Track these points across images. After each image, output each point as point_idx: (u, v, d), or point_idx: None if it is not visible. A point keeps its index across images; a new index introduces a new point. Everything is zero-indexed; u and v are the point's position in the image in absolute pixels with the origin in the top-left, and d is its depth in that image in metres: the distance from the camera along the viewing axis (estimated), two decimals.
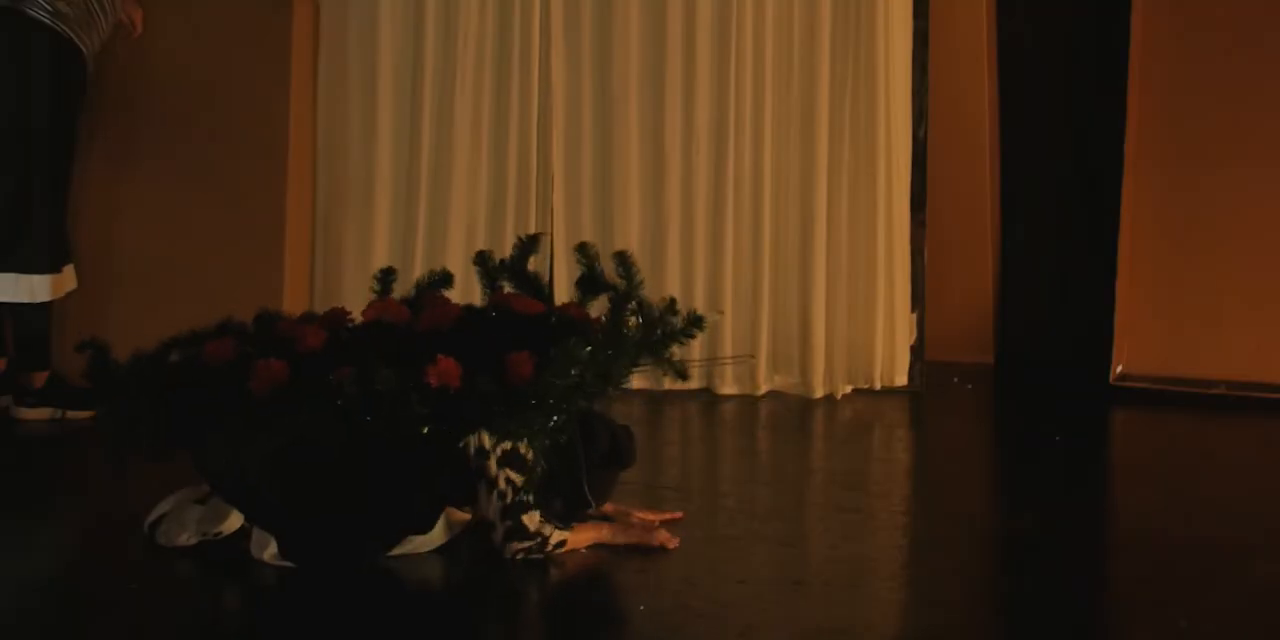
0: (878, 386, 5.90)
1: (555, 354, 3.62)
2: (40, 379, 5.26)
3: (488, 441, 3.66)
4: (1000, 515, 4.48)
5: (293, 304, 5.55)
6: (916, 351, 5.98)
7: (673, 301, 3.85)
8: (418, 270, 5.71)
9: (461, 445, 3.67)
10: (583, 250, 3.93)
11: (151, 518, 3.85)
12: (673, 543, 3.87)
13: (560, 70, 5.81)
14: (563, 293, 5.44)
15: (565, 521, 3.81)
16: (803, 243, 5.85)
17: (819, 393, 5.81)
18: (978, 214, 6.41)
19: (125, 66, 5.53)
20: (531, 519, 3.69)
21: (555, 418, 3.65)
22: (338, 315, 3.89)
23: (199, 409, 3.67)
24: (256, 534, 3.72)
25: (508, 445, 3.66)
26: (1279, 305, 5.75)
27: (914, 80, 5.94)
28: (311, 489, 3.65)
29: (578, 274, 3.95)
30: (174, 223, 5.56)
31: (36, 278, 5.10)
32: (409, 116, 5.77)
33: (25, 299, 5.11)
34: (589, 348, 3.66)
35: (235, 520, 3.76)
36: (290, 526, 3.68)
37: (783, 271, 5.87)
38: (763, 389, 5.84)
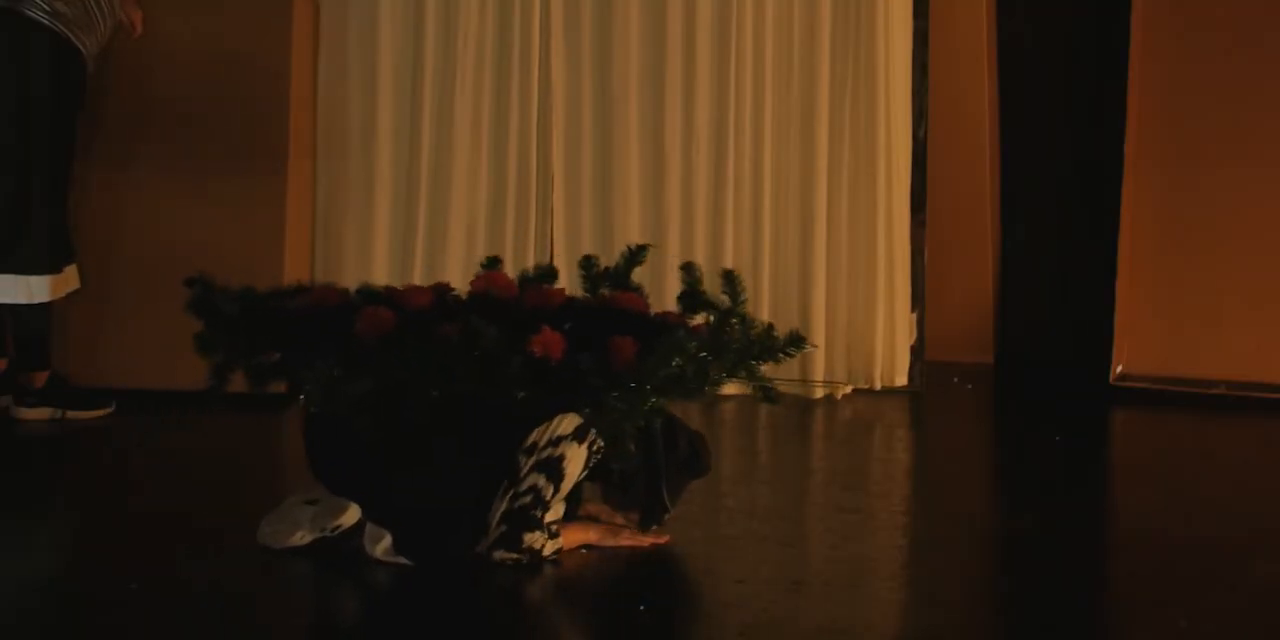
0: (878, 386, 5.90)
1: (660, 342, 3.65)
2: (40, 379, 5.26)
3: (544, 439, 3.66)
4: (1000, 515, 4.48)
5: None
6: (916, 351, 5.98)
7: (770, 326, 3.89)
8: (418, 270, 5.73)
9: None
10: (688, 270, 3.97)
11: (262, 527, 3.84)
12: (662, 540, 3.88)
13: (560, 70, 5.81)
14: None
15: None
16: (803, 243, 5.85)
17: (819, 393, 5.81)
18: (978, 214, 6.41)
19: (125, 67, 5.52)
20: (531, 537, 3.68)
21: (651, 400, 3.67)
22: (442, 287, 3.94)
23: (303, 344, 3.70)
24: (370, 529, 3.72)
25: (557, 452, 3.66)
26: (1279, 305, 5.74)
27: (914, 80, 5.94)
28: (400, 442, 3.66)
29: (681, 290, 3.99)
30: (174, 223, 5.55)
31: (35, 278, 5.10)
32: (409, 116, 5.76)
33: (23, 300, 5.10)
34: (694, 342, 3.69)
35: (352, 514, 3.75)
36: (388, 502, 3.68)
37: (783, 271, 5.87)
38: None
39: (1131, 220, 5.92)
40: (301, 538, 3.76)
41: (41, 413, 5.24)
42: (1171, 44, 5.90)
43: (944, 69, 6.15)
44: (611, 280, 4.00)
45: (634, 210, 5.83)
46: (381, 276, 5.71)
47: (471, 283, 3.91)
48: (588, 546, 3.83)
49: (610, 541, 3.85)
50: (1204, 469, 5.00)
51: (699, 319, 3.87)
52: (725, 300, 3.86)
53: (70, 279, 5.23)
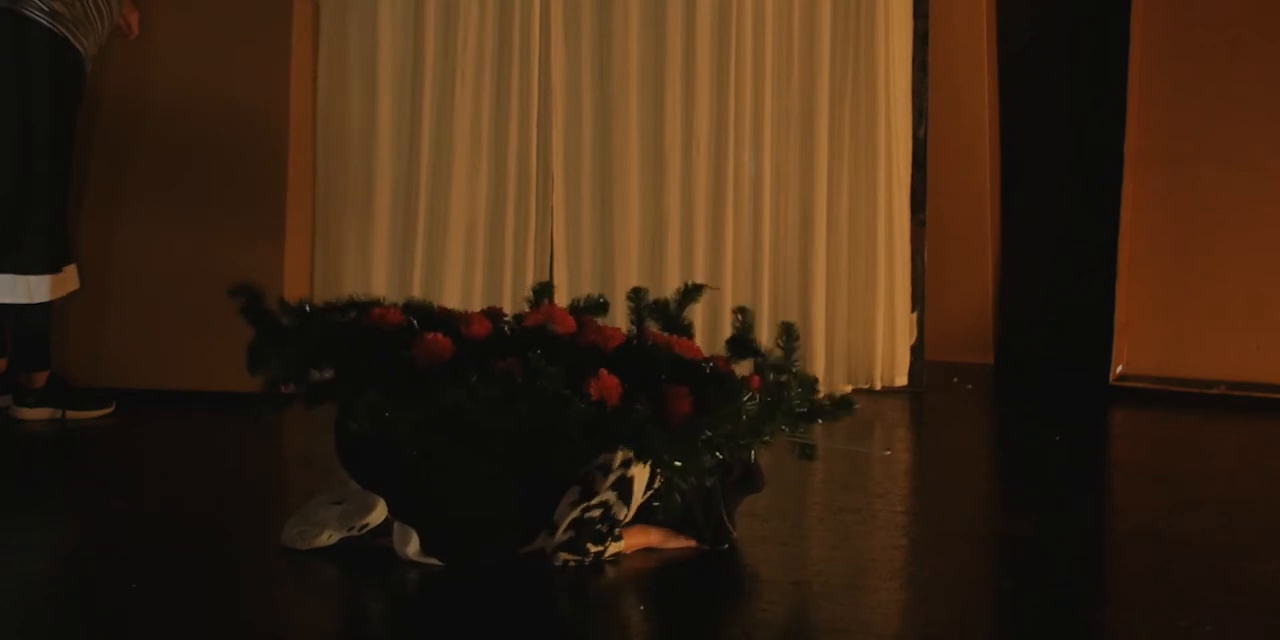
0: (878, 386, 5.90)
1: (720, 401, 3.66)
2: (40, 379, 5.26)
3: (616, 461, 3.67)
4: (1000, 515, 4.48)
5: None
6: (916, 351, 5.98)
7: (815, 380, 3.92)
8: (418, 270, 5.73)
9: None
10: (742, 314, 3.99)
11: (287, 529, 3.83)
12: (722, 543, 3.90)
13: (560, 70, 5.80)
14: (563, 297, 5.43)
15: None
16: (803, 243, 5.85)
17: (819, 393, 5.79)
18: (978, 214, 6.41)
19: (125, 67, 5.52)
20: (595, 547, 3.69)
21: (706, 457, 3.68)
22: (496, 313, 3.93)
23: (358, 364, 3.68)
24: (398, 529, 3.72)
25: (628, 472, 3.67)
26: (1279, 305, 5.75)
27: (914, 80, 5.94)
28: (449, 467, 3.65)
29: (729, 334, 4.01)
30: (174, 223, 5.55)
31: (35, 279, 5.09)
32: (409, 116, 5.76)
33: (24, 300, 5.10)
34: (751, 404, 3.70)
35: (379, 513, 3.75)
36: (419, 503, 3.68)
37: (783, 271, 5.87)
38: None
39: (1131, 220, 5.92)
40: (329, 537, 3.76)
41: (41, 413, 5.24)
42: (1171, 44, 5.90)
43: (944, 69, 6.15)
44: (661, 315, 4.00)
45: (634, 210, 5.83)
46: (381, 276, 5.71)
47: (529, 315, 3.90)
48: (649, 549, 3.84)
49: (671, 543, 3.87)
50: (1204, 469, 5.00)
51: (747, 366, 3.87)
52: (777, 352, 3.87)
53: (70, 279, 5.23)
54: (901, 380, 5.94)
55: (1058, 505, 4.43)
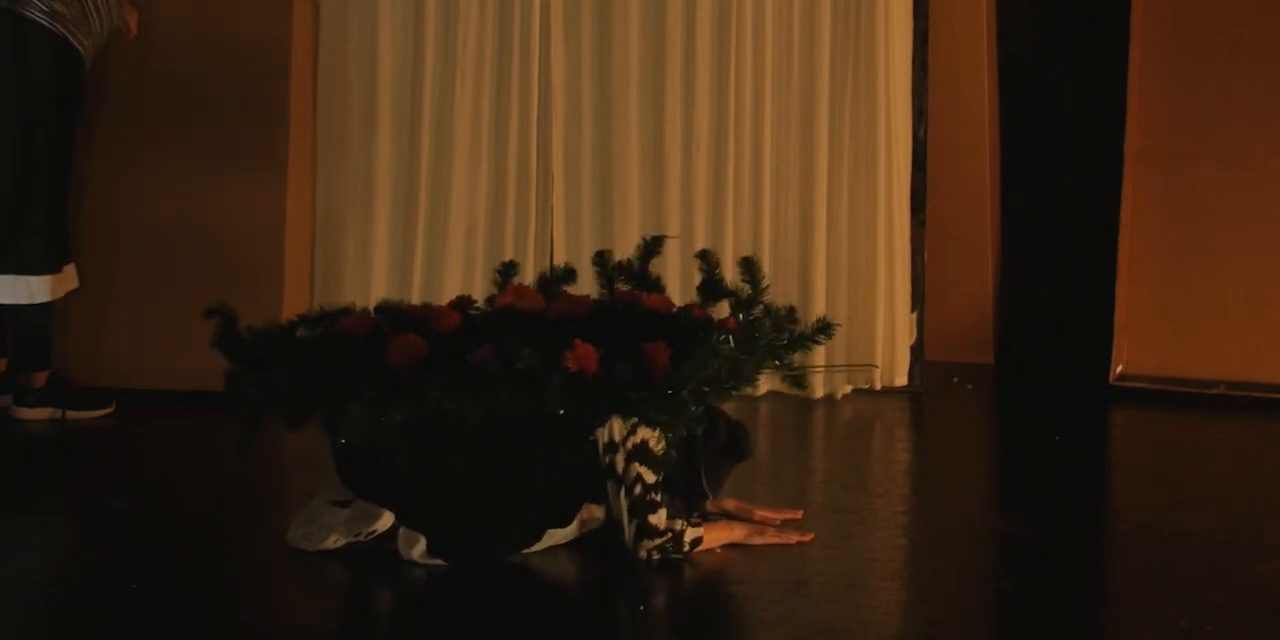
0: (878, 386, 5.90)
1: (698, 347, 3.66)
2: (40, 379, 5.26)
3: (618, 434, 3.67)
4: (1000, 515, 4.48)
5: (293, 304, 5.54)
6: (916, 351, 5.98)
7: (793, 310, 3.92)
8: (418, 270, 5.73)
9: (592, 439, 3.69)
10: (705, 257, 4.01)
11: (292, 529, 3.83)
12: (807, 539, 3.91)
13: (560, 70, 5.81)
14: None
15: (686, 514, 3.82)
16: (803, 243, 5.85)
17: (819, 393, 5.80)
18: (978, 214, 6.41)
19: (124, 67, 5.52)
20: (659, 517, 3.70)
21: (692, 408, 3.68)
22: (464, 301, 3.93)
23: (336, 377, 3.68)
24: (404, 532, 3.71)
25: (638, 439, 3.67)
26: (1279, 305, 5.75)
27: (914, 80, 5.94)
28: (442, 467, 3.65)
29: (699, 280, 4.03)
30: (174, 223, 5.55)
31: (35, 279, 5.10)
32: (409, 116, 5.76)
33: (24, 300, 5.10)
34: (727, 344, 3.70)
35: (387, 519, 3.74)
36: (420, 508, 3.67)
37: (783, 271, 5.87)
38: (762, 389, 5.84)
39: (1131, 220, 5.92)
40: (335, 541, 3.76)
41: (41, 413, 5.24)
42: (1171, 44, 5.90)
43: (944, 69, 6.15)
44: (628, 274, 4.00)
45: (634, 210, 5.83)
46: (381, 276, 5.71)
47: (498, 298, 3.90)
48: (733, 545, 3.85)
49: (757, 540, 3.88)
50: (1204, 469, 5.00)
51: (721, 309, 3.88)
52: (745, 288, 3.88)
53: (69, 278, 5.23)
54: (901, 380, 5.94)
55: (1058, 505, 4.43)
